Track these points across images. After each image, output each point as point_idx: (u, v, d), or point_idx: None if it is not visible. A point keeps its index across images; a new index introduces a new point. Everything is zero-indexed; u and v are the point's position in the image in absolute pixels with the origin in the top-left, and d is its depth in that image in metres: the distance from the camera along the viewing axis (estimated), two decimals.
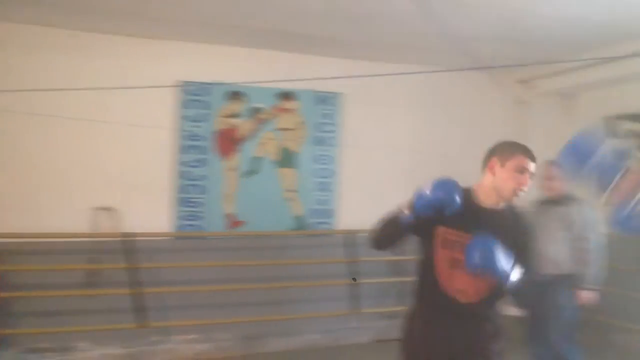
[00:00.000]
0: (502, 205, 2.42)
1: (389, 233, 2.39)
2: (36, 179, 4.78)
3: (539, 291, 3.99)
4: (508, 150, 2.38)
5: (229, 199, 5.28)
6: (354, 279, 5.36)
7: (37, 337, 4.65)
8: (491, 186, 2.38)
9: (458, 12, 4.09)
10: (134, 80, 4.72)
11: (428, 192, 2.22)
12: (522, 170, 2.34)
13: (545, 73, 5.49)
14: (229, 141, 5.27)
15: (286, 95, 5.42)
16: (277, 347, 5.30)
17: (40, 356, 4.68)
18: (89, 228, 4.82)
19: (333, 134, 5.59)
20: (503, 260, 2.22)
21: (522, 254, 2.40)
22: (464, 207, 2.27)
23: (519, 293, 2.41)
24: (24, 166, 4.77)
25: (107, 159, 4.96)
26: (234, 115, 5.28)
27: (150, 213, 5.05)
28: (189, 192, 5.17)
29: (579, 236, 3.93)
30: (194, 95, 5.15)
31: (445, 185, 2.23)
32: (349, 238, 5.41)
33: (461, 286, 2.37)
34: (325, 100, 5.56)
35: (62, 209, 4.79)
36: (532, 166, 2.36)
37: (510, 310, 3.17)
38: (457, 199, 2.22)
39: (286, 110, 5.45)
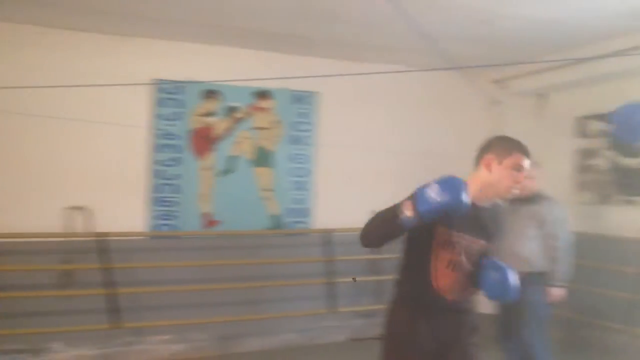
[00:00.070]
0: (490, 202, 2.45)
1: (384, 233, 2.23)
2: (7, 178, 4.70)
3: None
4: (505, 148, 2.37)
5: (204, 198, 5.26)
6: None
7: (9, 338, 4.57)
8: (487, 183, 2.37)
9: (432, 13, 4.13)
10: (108, 78, 4.69)
11: (434, 194, 2.03)
12: (520, 168, 2.35)
13: (518, 73, 5.57)
14: (204, 140, 5.25)
15: (262, 94, 5.41)
16: (253, 347, 5.30)
17: (12, 358, 4.60)
18: (62, 228, 4.75)
19: (309, 133, 5.60)
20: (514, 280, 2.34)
21: (493, 246, 2.49)
22: None
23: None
24: None
25: (81, 157, 4.90)
26: (209, 114, 5.26)
27: (125, 212, 5.00)
28: (164, 192, 5.13)
29: (549, 234, 4.00)
30: (168, 94, 5.12)
31: (453, 187, 2.04)
32: (325, 237, 5.42)
33: (452, 285, 2.38)
34: (302, 99, 5.56)
35: (34, 209, 4.72)
36: (528, 163, 2.38)
37: (483, 307, 3.22)
38: (467, 201, 2.06)
39: (262, 109, 5.44)
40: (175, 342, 5.11)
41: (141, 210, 5.08)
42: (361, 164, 5.79)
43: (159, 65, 5.07)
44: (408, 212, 2.08)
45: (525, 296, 3.97)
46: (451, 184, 2.05)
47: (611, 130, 2.72)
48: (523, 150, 2.38)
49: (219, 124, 5.29)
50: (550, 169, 5.27)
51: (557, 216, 4.02)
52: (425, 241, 2.34)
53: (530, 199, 4.01)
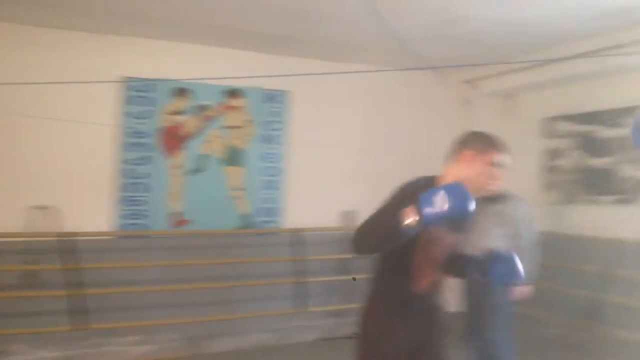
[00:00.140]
0: None
1: (383, 240, 2.16)
2: None
3: (477, 288, 4.11)
4: (484, 144, 2.35)
5: (174, 197, 5.20)
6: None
7: None
8: (464, 178, 2.29)
9: (404, 14, 4.16)
10: (76, 76, 4.60)
11: (441, 201, 1.99)
12: (497, 164, 2.34)
13: (489, 74, 5.65)
14: (174, 139, 5.19)
15: (233, 93, 5.37)
16: (223, 347, 5.25)
17: None
18: (26, 227, 4.65)
19: (281, 132, 5.59)
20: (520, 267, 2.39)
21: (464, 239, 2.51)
22: None
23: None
24: None
25: (47, 156, 4.80)
26: (179, 113, 5.20)
27: (93, 212, 4.92)
28: (133, 191, 5.06)
29: (515, 233, 4.06)
30: (138, 92, 5.05)
31: (459, 194, 2.02)
32: (296, 237, 5.42)
33: (431, 282, 2.39)
34: (273, 98, 5.54)
35: None
36: (505, 160, 2.37)
37: (451, 306, 3.25)
38: (472, 208, 2.04)
39: (233, 108, 5.40)
40: (144, 343, 5.03)
41: (109, 210, 5.01)
42: (333, 163, 5.80)
43: (129, 63, 5.00)
44: (412, 220, 2.03)
45: (490, 295, 4.08)
46: (458, 192, 2.02)
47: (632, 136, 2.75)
48: (501, 147, 2.37)
49: (189, 122, 5.24)
50: (518, 168, 5.35)
51: (523, 215, 4.08)
52: (410, 241, 2.27)
53: (496, 198, 4.06)
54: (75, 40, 4.84)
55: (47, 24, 4.67)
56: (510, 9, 4.06)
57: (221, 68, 5.04)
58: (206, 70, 4.98)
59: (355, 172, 5.86)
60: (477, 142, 2.36)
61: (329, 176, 5.78)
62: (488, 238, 4.04)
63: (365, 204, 5.43)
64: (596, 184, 5.17)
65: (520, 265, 2.39)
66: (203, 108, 5.28)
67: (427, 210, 2.00)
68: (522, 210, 4.09)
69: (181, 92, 5.18)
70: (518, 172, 5.30)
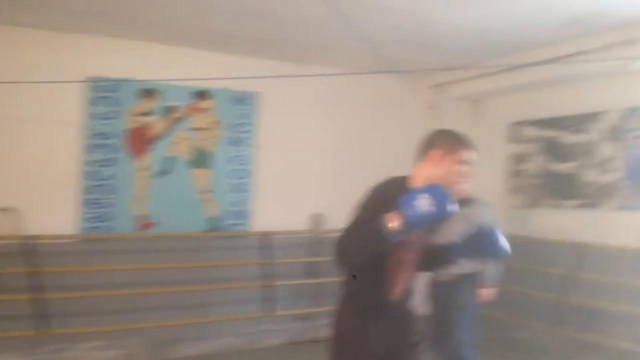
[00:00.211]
0: None
1: (367, 250, 2.12)
2: None
3: (444, 291, 4.15)
4: (452, 143, 2.34)
5: (140, 199, 5.12)
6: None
7: None
8: (433, 178, 2.29)
9: (370, 17, 4.18)
10: (39, 75, 4.51)
11: (424, 205, 1.99)
12: (466, 163, 2.34)
13: (456, 79, 5.70)
14: (140, 140, 5.11)
15: (201, 94, 5.32)
16: (189, 352, 5.20)
17: None
18: None
19: (249, 134, 5.55)
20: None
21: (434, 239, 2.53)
22: None
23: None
24: None
25: (8, 157, 4.68)
26: (146, 114, 5.13)
27: (55, 214, 4.81)
28: (97, 193, 4.96)
29: None
30: (103, 92, 4.96)
31: (441, 197, 2.02)
32: (264, 240, 5.38)
33: (404, 285, 2.37)
34: (242, 100, 5.50)
35: None
36: (473, 157, 2.37)
37: (418, 309, 3.26)
38: (453, 210, 2.07)
39: (201, 110, 5.34)
40: (108, 348, 4.95)
41: (73, 212, 4.90)
42: (302, 166, 5.79)
43: (95, 63, 4.92)
44: (395, 225, 2.01)
45: (456, 297, 4.13)
46: (439, 194, 2.02)
47: None
48: (469, 145, 2.36)
49: (156, 123, 5.17)
50: (485, 173, 5.44)
51: (487, 219, 4.12)
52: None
53: (461, 201, 4.09)
54: (39, 38, 4.73)
55: (9, 21, 4.56)
56: (476, 15, 4.11)
57: (189, 69, 5.00)
58: (174, 71, 4.92)
59: (324, 175, 5.87)
60: (445, 141, 2.35)
61: (298, 179, 5.77)
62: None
63: (334, 207, 5.53)
64: (560, 189, 5.27)
65: (503, 238, 2.40)
66: (170, 109, 5.21)
67: (411, 214, 1.99)
68: (487, 214, 4.14)
69: (148, 93, 5.11)
70: (485, 176, 5.40)
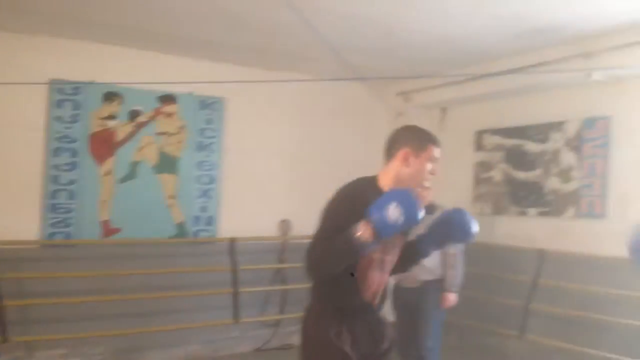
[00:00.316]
0: None
1: (338, 262, 2.12)
2: None
3: (409, 297, 4.17)
4: (420, 141, 2.31)
5: (103, 205, 5.03)
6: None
7: None
8: (403, 177, 2.29)
9: (335, 24, 4.21)
10: (1, 77, 4.42)
11: (393, 215, 1.97)
12: (435, 159, 2.32)
13: (422, 87, 5.76)
14: (104, 144, 5.03)
15: (166, 99, 5.26)
16: None
17: None
18: None
19: (215, 140, 5.51)
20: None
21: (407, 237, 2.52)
22: None
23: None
24: None
25: None
26: (110, 118, 5.05)
27: (16, 220, 4.70)
28: (59, 198, 4.86)
29: None
30: (66, 95, 4.88)
31: (410, 204, 2.00)
32: (231, 246, 5.34)
33: (378, 288, 2.34)
34: (208, 105, 5.46)
35: None
36: (439, 154, 2.36)
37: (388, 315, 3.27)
38: (422, 216, 2.06)
39: (166, 114, 5.28)
40: (70, 356, 4.85)
41: (33, 218, 4.79)
42: (268, 172, 5.78)
43: (58, 65, 4.84)
44: (365, 237, 2.00)
45: (422, 303, 4.16)
46: (408, 201, 2.00)
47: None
48: (435, 141, 2.35)
49: (120, 128, 5.09)
50: (451, 180, 5.50)
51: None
52: None
53: (425, 208, 4.13)
54: (3, 40, 4.65)
55: None
56: (440, 24, 4.19)
57: (154, 73, 4.95)
58: (138, 75, 4.87)
59: (292, 181, 5.86)
60: (413, 138, 2.32)
61: (265, 185, 5.76)
62: None
63: (301, 213, 5.52)
64: (524, 196, 5.36)
65: (471, 219, 2.39)
66: (135, 114, 5.14)
67: (381, 225, 1.98)
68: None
69: (112, 96, 5.04)
70: (452, 184, 5.46)
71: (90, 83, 4.86)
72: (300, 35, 4.46)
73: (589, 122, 4.83)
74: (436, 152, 2.33)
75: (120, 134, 5.10)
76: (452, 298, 4.18)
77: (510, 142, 5.53)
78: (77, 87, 4.88)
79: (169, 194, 5.30)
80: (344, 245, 2.04)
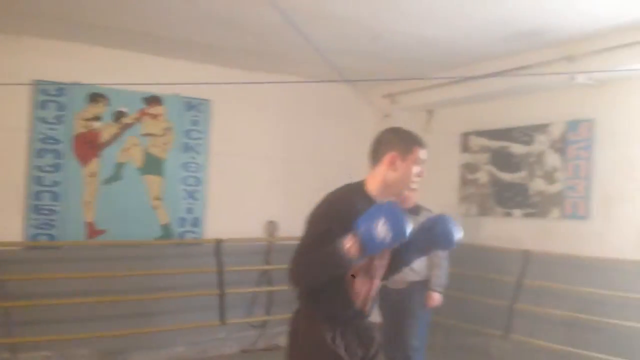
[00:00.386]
0: (389, 199, 2.30)
1: (325, 275, 2.12)
2: None
3: (395, 298, 4.19)
4: (406, 143, 2.29)
5: (88, 206, 4.99)
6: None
7: None
8: (390, 180, 2.27)
9: (322, 26, 4.22)
10: None
11: (381, 232, 1.96)
12: (421, 161, 2.30)
13: (408, 89, 5.78)
14: (89, 145, 4.99)
15: (152, 100, 5.23)
16: None
17: None
18: None
19: (201, 141, 5.49)
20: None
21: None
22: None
23: None
24: None
25: None
26: (95, 119, 5.01)
27: (0, 220, 4.64)
28: (43, 199, 4.82)
29: None
30: (50, 96, 4.84)
31: (397, 220, 1.99)
32: (217, 247, 5.32)
33: (367, 294, 2.32)
34: (195, 106, 5.44)
35: None
36: (425, 154, 2.34)
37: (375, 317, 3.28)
38: (409, 232, 2.04)
39: (152, 116, 5.25)
40: (54, 358, 4.81)
41: (17, 219, 4.75)
42: (255, 173, 5.77)
43: (42, 66, 4.80)
44: (352, 252, 2.00)
45: (409, 303, 4.17)
46: (395, 217, 1.99)
47: None
48: (421, 143, 2.33)
49: (105, 129, 5.06)
50: (438, 182, 5.53)
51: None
52: None
53: (410, 210, 4.16)
54: None
55: None
56: (426, 27, 4.21)
57: (140, 74, 4.93)
58: (123, 76, 4.85)
59: (278, 182, 5.86)
60: (399, 142, 2.30)
61: (251, 186, 5.74)
62: None
63: (287, 214, 5.51)
64: (509, 198, 5.40)
65: (454, 227, 2.37)
66: (120, 115, 5.10)
67: (368, 242, 1.98)
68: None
69: (97, 97, 5.00)
70: (438, 185, 5.49)
71: (75, 84, 4.82)
72: (286, 38, 4.46)
73: (573, 125, 4.88)
74: (422, 154, 2.31)
75: (105, 135, 5.06)
76: (437, 297, 4.21)
77: (495, 144, 5.56)
78: (62, 88, 4.84)
79: (154, 195, 5.28)
80: (330, 259, 2.03)
